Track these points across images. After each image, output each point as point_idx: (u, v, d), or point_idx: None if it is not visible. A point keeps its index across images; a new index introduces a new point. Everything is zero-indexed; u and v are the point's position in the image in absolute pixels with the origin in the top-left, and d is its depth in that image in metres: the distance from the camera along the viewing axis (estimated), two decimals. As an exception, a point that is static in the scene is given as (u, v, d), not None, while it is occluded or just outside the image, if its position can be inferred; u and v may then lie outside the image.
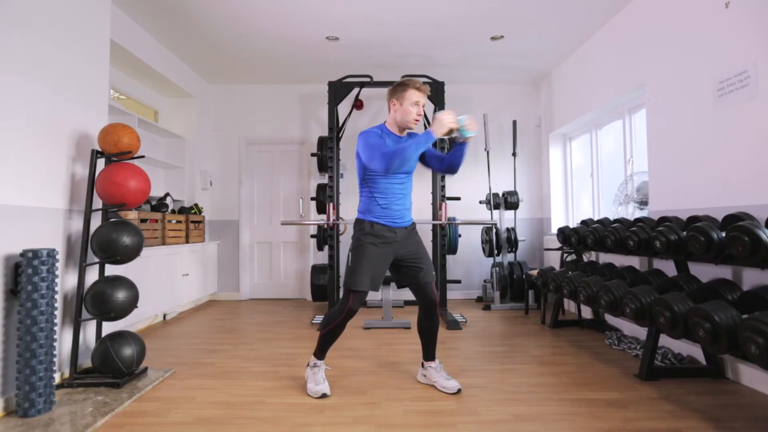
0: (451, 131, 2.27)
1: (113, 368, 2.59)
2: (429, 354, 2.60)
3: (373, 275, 2.41)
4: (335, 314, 2.46)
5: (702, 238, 2.36)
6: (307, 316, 4.67)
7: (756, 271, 2.47)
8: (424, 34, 4.30)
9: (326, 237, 4.79)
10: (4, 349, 2.27)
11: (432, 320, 2.53)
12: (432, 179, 4.60)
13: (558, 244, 4.69)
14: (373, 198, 2.44)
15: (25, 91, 2.45)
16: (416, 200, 2.49)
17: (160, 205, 4.58)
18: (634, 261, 3.57)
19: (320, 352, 2.55)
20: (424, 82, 2.51)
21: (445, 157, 2.52)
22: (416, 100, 2.39)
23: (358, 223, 2.48)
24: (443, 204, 4.36)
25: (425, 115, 4.92)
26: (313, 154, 4.99)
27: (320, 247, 4.98)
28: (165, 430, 2.08)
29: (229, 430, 2.07)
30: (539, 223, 5.71)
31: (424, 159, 2.58)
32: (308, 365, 2.58)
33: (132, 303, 2.70)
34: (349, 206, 5.63)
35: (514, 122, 5.47)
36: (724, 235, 2.29)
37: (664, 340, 3.19)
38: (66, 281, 2.74)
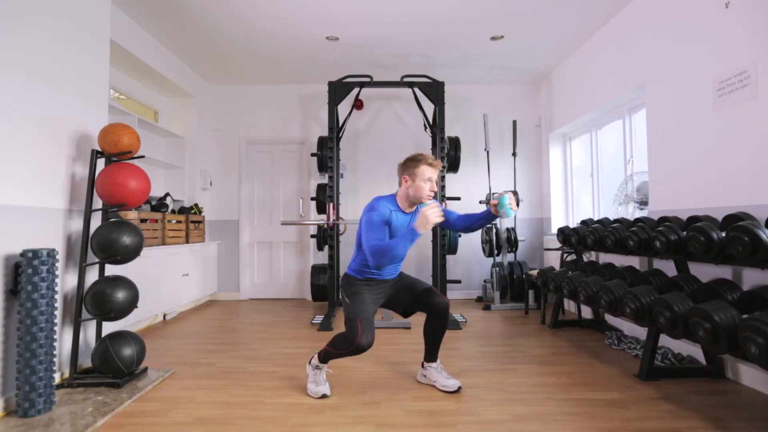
0: (436, 225, 2.29)
1: (113, 368, 2.59)
2: (432, 355, 2.61)
3: (372, 307, 2.43)
4: (341, 344, 2.37)
5: (702, 238, 2.36)
6: (307, 316, 4.67)
7: (756, 271, 2.47)
8: (424, 34, 4.30)
9: (326, 237, 4.79)
10: (4, 349, 2.27)
11: (444, 323, 2.54)
12: None
13: (558, 244, 4.69)
14: (367, 266, 2.47)
15: (26, 91, 2.45)
16: None
17: (160, 205, 4.58)
18: (634, 261, 3.57)
19: (325, 360, 2.52)
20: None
21: (468, 219, 2.54)
22: (429, 177, 2.36)
23: (348, 278, 2.53)
24: (443, 204, 4.36)
25: (426, 119, 4.92)
26: (313, 154, 4.99)
27: (320, 247, 4.98)
28: (165, 430, 2.08)
29: (229, 430, 2.07)
30: (539, 223, 5.71)
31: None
32: (310, 363, 2.57)
33: (132, 303, 2.70)
34: (349, 206, 5.63)
35: (514, 122, 5.47)
36: (724, 235, 2.29)
37: (664, 340, 3.19)
38: (66, 281, 2.74)
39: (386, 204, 2.39)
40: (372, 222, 2.30)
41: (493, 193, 5.34)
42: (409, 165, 2.39)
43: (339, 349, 2.38)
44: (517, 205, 5.01)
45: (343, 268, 5.39)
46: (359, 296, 2.43)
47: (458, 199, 5.00)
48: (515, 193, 5.12)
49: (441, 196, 4.44)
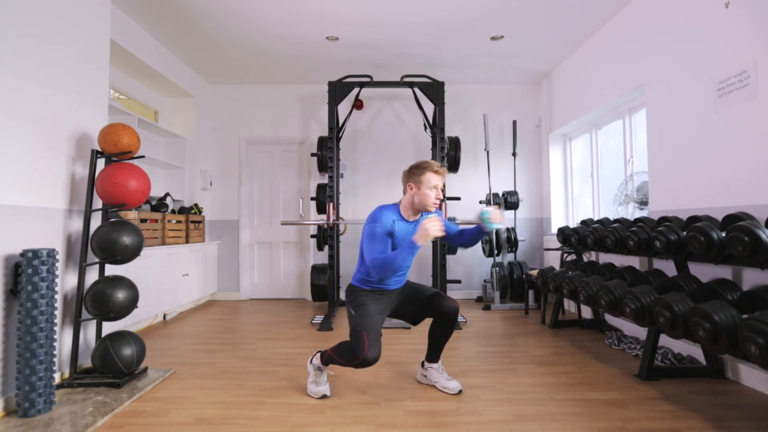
0: (436, 238, 2.25)
1: (113, 368, 2.59)
2: (434, 356, 2.59)
3: (378, 319, 2.38)
4: (346, 355, 2.34)
5: (702, 238, 2.36)
6: (307, 316, 4.67)
7: (756, 271, 2.47)
8: (424, 34, 4.30)
9: (326, 237, 4.79)
10: (4, 349, 2.27)
11: (452, 327, 2.51)
12: None
13: (558, 244, 4.69)
14: (370, 276, 2.42)
15: (26, 91, 2.45)
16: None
17: (160, 205, 4.58)
18: (634, 261, 3.57)
19: (326, 364, 2.50)
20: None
21: (465, 237, 2.53)
22: (435, 184, 2.34)
23: (352, 289, 2.48)
24: (443, 204, 4.36)
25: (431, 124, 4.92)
26: (313, 154, 4.99)
27: (320, 247, 4.98)
28: (165, 430, 2.08)
29: (229, 430, 2.07)
30: (539, 223, 5.71)
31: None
32: (311, 362, 2.55)
33: (132, 303, 2.70)
34: (349, 206, 5.63)
35: (514, 122, 5.47)
36: (724, 235, 2.29)
37: (664, 340, 3.19)
38: (66, 281, 2.74)
39: (389, 214, 2.36)
40: (374, 234, 2.27)
41: (481, 201, 5.35)
42: (415, 172, 2.36)
43: (344, 360, 2.35)
44: (516, 207, 5.08)
45: (344, 268, 5.39)
46: (365, 308, 2.38)
47: (458, 199, 5.00)
48: (513, 194, 5.12)
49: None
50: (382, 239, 2.27)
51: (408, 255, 2.18)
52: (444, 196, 4.46)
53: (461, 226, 2.59)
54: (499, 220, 2.33)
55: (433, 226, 2.11)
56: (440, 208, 2.26)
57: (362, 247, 2.36)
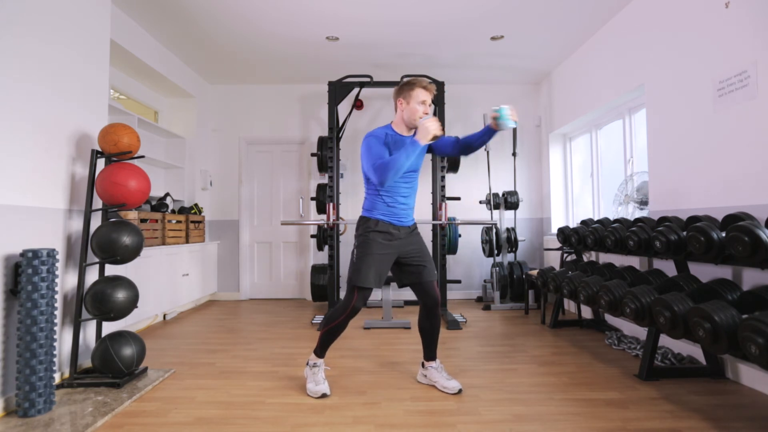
0: (435, 137, 2.29)
1: (113, 368, 2.59)
2: (430, 354, 2.61)
3: (377, 272, 2.42)
4: (338, 312, 2.46)
5: (702, 238, 2.36)
6: (307, 316, 4.67)
7: (756, 271, 2.47)
8: (424, 34, 4.29)
9: (326, 237, 4.79)
10: (4, 349, 2.27)
11: (434, 320, 2.54)
12: (432, 179, 4.60)
13: (558, 244, 4.69)
14: (379, 196, 2.46)
15: (26, 92, 2.45)
16: (417, 200, 2.49)
17: (160, 205, 4.58)
18: (634, 261, 3.57)
19: (321, 350, 2.55)
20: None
21: (466, 139, 2.54)
22: (423, 99, 2.42)
23: (363, 221, 2.49)
24: (443, 204, 4.36)
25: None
26: (313, 154, 4.99)
27: (320, 247, 4.98)
28: (165, 430, 2.08)
29: (229, 430, 2.07)
30: (539, 223, 5.71)
31: (431, 149, 2.60)
32: (307, 364, 2.58)
33: (132, 303, 2.70)
34: (349, 206, 5.63)
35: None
36: (724, 235, 2.29)
37: (665, 340, 3.19)
38: (66, 281, 2.74)
39: (382, 130, 2.46)
40: (370, 146, 2.37)
41: (481, 201, 5.35)
42: (404, 88, 2.44)
43: (335, 318, 2.45)
44: (516, 207, 5.09)
45: (344, 268, 5.38)
46: (369, 257, 2.41)
47: (458, 199, 5.00)
48: (513, 194, 5.13)
49: (441, 196, 4.45)
50: (378, 147, 2.36)
51: (410, 153, 2.25)
52: (443, 195, 4.47)
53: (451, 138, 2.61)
54: (515, 118, 2.34)
55: (433, 125, 2.26)
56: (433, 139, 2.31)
57: (363, 166, 2.42)
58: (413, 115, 2.42)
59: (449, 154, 2.62)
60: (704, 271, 2.81)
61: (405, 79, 2.52)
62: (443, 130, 2.30)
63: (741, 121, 2.62)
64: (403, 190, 2.47)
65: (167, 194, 4.89)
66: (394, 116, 2.53)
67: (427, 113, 2.43)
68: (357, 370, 2.89)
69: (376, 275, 2.41)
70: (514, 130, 5.43)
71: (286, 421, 2.15)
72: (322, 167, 4.90)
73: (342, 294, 5.04)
